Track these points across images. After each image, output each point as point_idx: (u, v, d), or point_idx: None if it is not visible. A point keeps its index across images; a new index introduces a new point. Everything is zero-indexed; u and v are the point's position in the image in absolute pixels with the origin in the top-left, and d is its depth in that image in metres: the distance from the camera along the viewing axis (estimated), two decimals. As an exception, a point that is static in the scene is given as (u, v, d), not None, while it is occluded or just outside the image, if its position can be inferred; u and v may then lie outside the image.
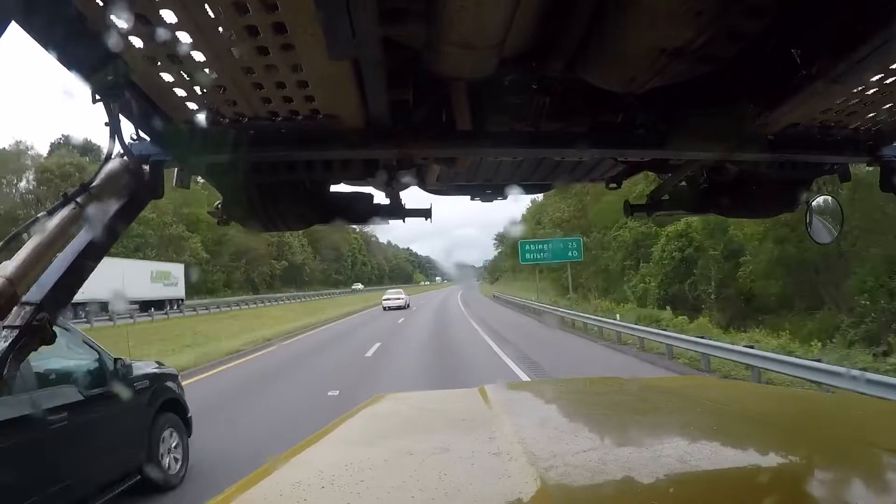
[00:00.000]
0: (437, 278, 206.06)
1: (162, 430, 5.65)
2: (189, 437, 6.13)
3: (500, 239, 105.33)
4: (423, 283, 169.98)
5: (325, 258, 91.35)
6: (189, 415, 6.20)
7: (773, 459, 1.09)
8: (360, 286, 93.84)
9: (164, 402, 5.73)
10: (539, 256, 30.92)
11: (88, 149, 51.48)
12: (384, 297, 42.86)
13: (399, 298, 41.05)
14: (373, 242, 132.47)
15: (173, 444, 5.81)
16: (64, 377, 4.62)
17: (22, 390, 3.94)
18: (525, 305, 34.67)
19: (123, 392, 4.92)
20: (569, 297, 35.25)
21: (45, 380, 4.39)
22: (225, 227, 1.81)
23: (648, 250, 33.70)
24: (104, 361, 4.97)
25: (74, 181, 38.08)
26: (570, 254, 30.30)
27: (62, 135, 58.04)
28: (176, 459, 5.82)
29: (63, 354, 4.76)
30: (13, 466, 3.74)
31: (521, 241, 34.06)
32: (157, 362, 6.50)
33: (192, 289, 43.92)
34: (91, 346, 5.01)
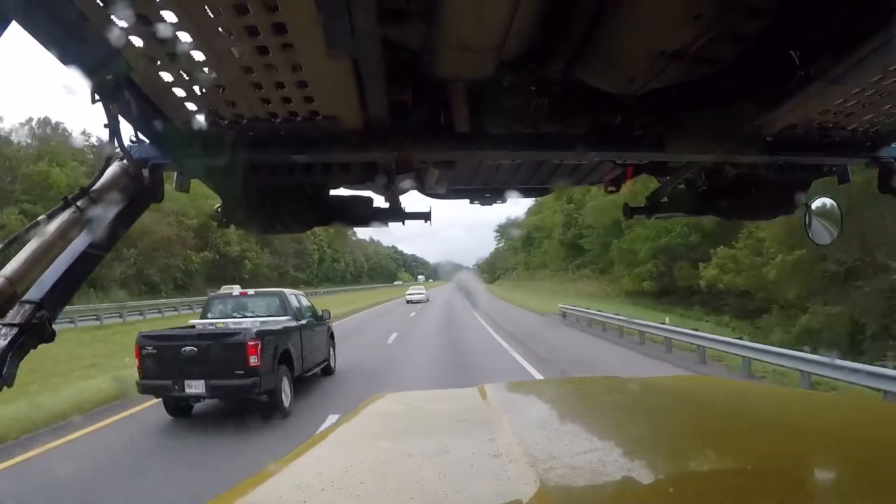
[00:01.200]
0: (419, 277, 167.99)
1: (329, 345, 12.90)
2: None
3: (502, 232, 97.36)
4: (396, 282, 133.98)
5: (277, 251, 70.10)
6: (335, 341, 13.42)
7: (772, 459, 1.09)
8: (234, 289, 23.83)
9: (330, 334, 13.10)
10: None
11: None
12: (408, 292, 52.92)
13: (421, 294, 49.90)
14: (349, 237, 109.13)
15: (332, 353, 13.07)
16: (308, 315, 11.66)
17: (303, 318, 11.25)
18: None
19: (324, 324, 12.52)
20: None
21: (304, 315, 11.50)
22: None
23: None
24: (316, 310, 12.26)
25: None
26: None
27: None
28: (334, 362, 13.15)
29: (304, 308, 11.81)
30: (305, 343, 10.72)
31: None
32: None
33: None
34: (310, 305, 12.29)
